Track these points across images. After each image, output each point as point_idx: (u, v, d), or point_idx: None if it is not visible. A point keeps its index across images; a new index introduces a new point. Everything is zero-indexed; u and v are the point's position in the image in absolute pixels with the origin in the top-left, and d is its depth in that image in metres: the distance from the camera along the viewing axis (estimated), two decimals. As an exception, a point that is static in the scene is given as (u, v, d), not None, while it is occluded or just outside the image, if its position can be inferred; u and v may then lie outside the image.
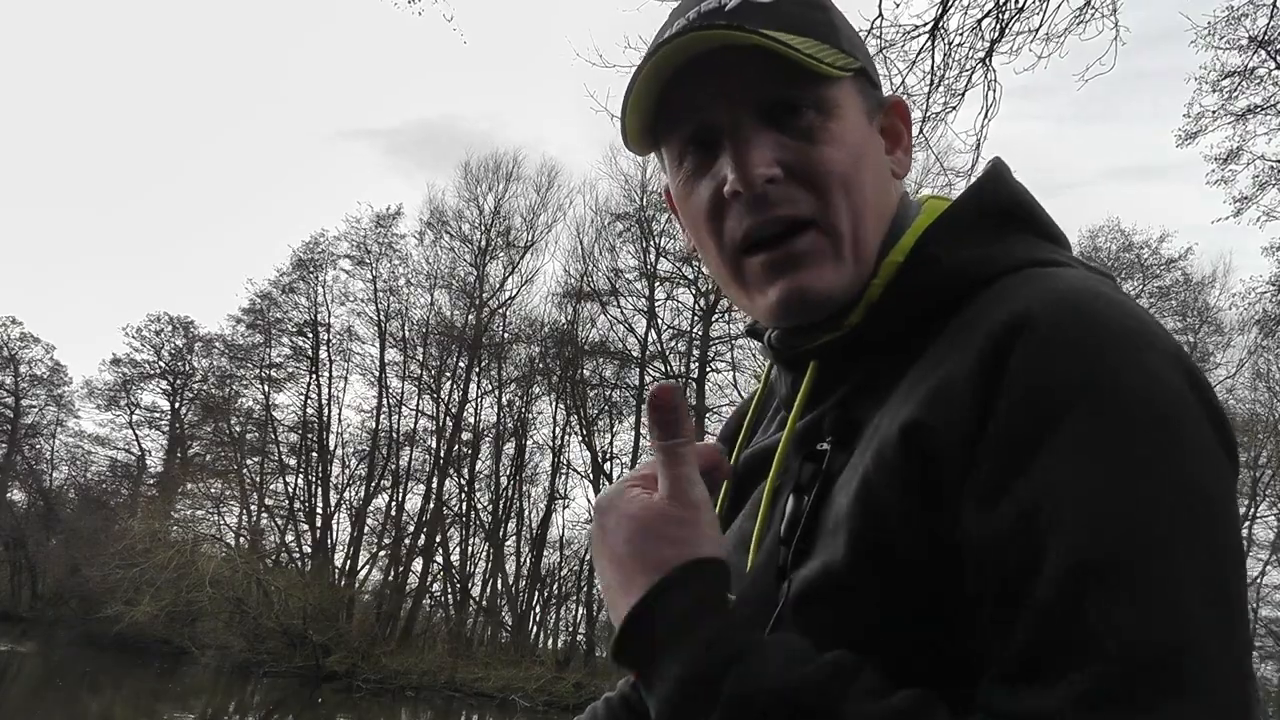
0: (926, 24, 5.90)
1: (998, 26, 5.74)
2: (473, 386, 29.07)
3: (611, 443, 27.93)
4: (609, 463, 27.61)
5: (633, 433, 27.33)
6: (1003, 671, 0.59)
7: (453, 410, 28.81)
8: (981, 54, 5.81)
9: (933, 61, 5.96)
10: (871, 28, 5.94)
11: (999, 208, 0.79)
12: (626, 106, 0.80)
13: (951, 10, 5.82)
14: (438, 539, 28.24)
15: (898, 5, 5.93)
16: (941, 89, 6.01)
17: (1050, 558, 0.58)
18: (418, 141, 52.86)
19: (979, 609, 0.61)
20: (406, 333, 30.02)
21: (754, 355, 22.88)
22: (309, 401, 30.38)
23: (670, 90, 0.79)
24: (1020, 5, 5.66)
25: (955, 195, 0.84)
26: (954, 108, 6.05)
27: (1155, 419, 0.61)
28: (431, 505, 28.11)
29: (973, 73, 5.85)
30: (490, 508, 28.68)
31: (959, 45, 5.89)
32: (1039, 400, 0.62)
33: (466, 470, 28.90)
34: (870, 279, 0.79)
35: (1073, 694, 0.54)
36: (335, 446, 30.21)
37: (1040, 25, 5.66)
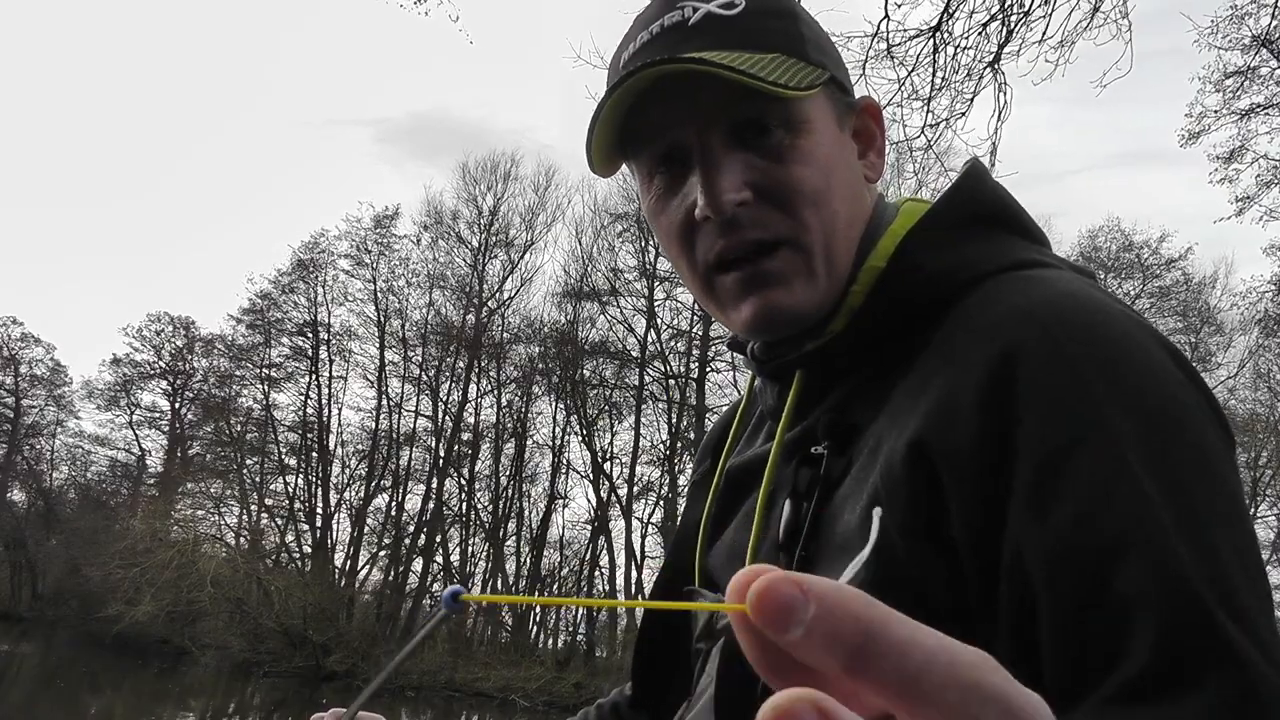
0: (929, 28, 5.88)
1: (1004, 31, 5.72)
2: (472, 387, 29.08)
3: (611, 443, 27.94)
4: (609, 463, 27.62)
5: (632, 432, 27.35)
6: (1117, 685, 0.55)
7: (452, 410, 28.82)
8: (989, 58, 5.79)
9: (934, 64, 5.95)
10: (877, 31, 5.92)
11: (978, 209, 0.79)
12: (592, 133, 0.79)
13: (955, 16, 5.81)
14: (438, 539, 28.23)
15: (900, 5, 5.92)
16: (949, 94, 5.99)
17: (1129, 564, 0.56)
18: (411, 131, 52.80)
19: (1031, 624, 0.59)
20: (406, 333, 30.04)
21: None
22: (309, 401, 30.38)
23: (637, 112, 0.78)
24: (1026, 9, 5.65)
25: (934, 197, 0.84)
26: (963, 113, 6.03)
27: (1172, 417, 0.61)
28: (431, 505, 28.12)
29: (980, 78, 5.84)
30: (490, 508, 28.68)
31: (965, 49, 5.87)
32: (1064, 413, 0.61)
33: (466, 470, 28.88)
34: (848, 285, 0.79)
35: (1214, 699, 0.52)
36: (335, 446, 30.21)
37: (1045, 30, 5.64)
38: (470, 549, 28.68)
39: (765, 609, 0.24)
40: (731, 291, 0.79)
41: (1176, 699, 0.53)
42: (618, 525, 27.45)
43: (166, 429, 35.80)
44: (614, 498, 27.47)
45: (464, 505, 28.73)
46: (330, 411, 30.35)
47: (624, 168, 0.87)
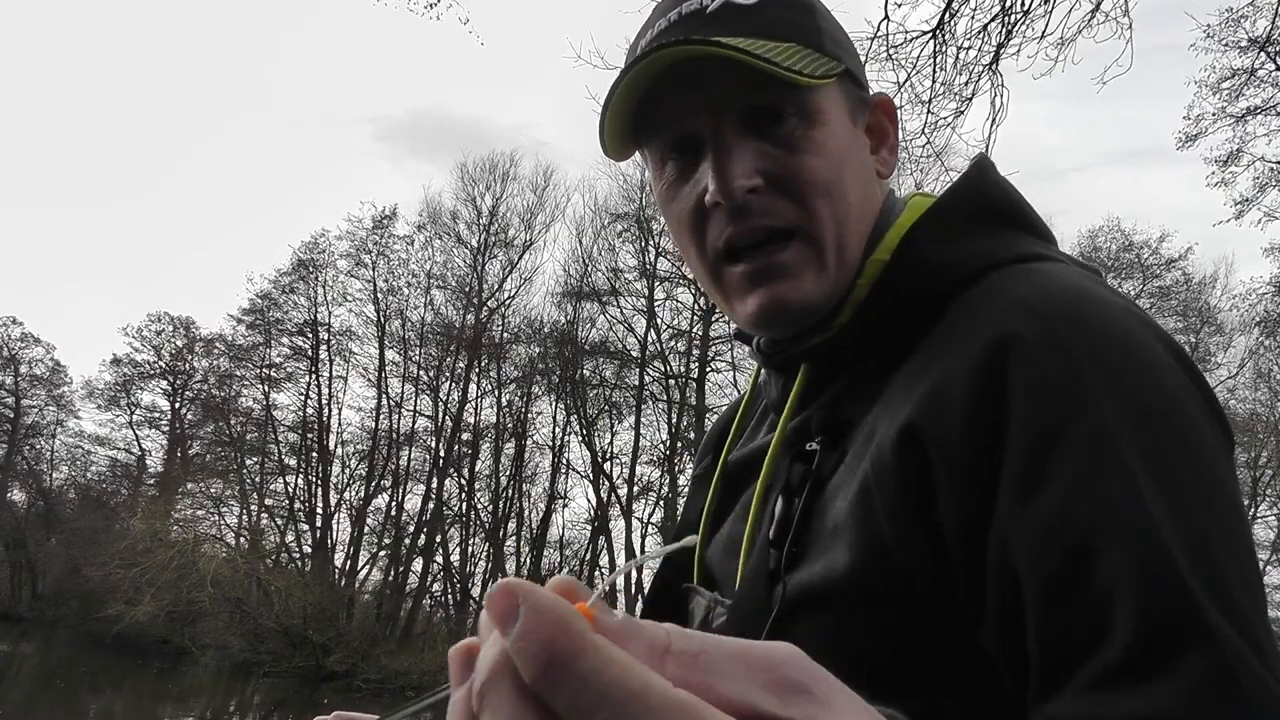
0: (930, 29, 5.89)
1: (1003, 30, 5.73)
2: (472, 386, 29.08)
3: (611, 442, 27.94)
4: (609, 463, 27.62)
5: (632, 432, 27.35)
6: (1097, 670, 0.54)
7: (452, 410, 28.81)
8: (988, 59, 5.80)
9: (934, 66, 5.96)
10: (877, 31, 5.92)
11: (984, 204, 0.79)
12: (606, 115, 0.79)
13: (958, 16, 5.82)
14: (438, 539, 28.22)
15: (900, 6, 5.92)
16: (949, 95, 6.00)
17: (1114, 548, 0.56)
18: (410, 130, 52.83)
19: (1018, 608, 0.59)
20: (406, 333, 30.04)
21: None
22: (309, 401, 30.37)
23: (651, 96, 0.78)
24: (1026, 8, 5.65)
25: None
26: (962, 112, 6.05)
27: (1166, 408, 0.61)
28: (431, 505, 28.11)
29: (979, 78, 5.84)
30: (490, 508, 28.67)
31: (966, 49, 5.88)
32: (1055, 399, 0.61)
33: (466, 470, 28.87)
34: (855, 279, 0.79)
35: (1192, 681, 0.52)
36: (335, 446, 30.20)
37: (1045, 29, 5.65)
38: (470, 549, 28.69)
39: (490, 611, 0.26)
40: (739, 283, 0.79)
41: (1156, 682, 0.52)
42: (618, 525, 27.49)
43: (166, 429, 35.80)
44: (614, 498, 27.48)
45: (464, 505, 28.74)
46: (330, 411, 30.39)
47: (636, 156, 0.87)
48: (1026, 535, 0.59)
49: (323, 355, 30.47)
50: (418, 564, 28.18)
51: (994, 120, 5.81)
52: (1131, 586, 0.55)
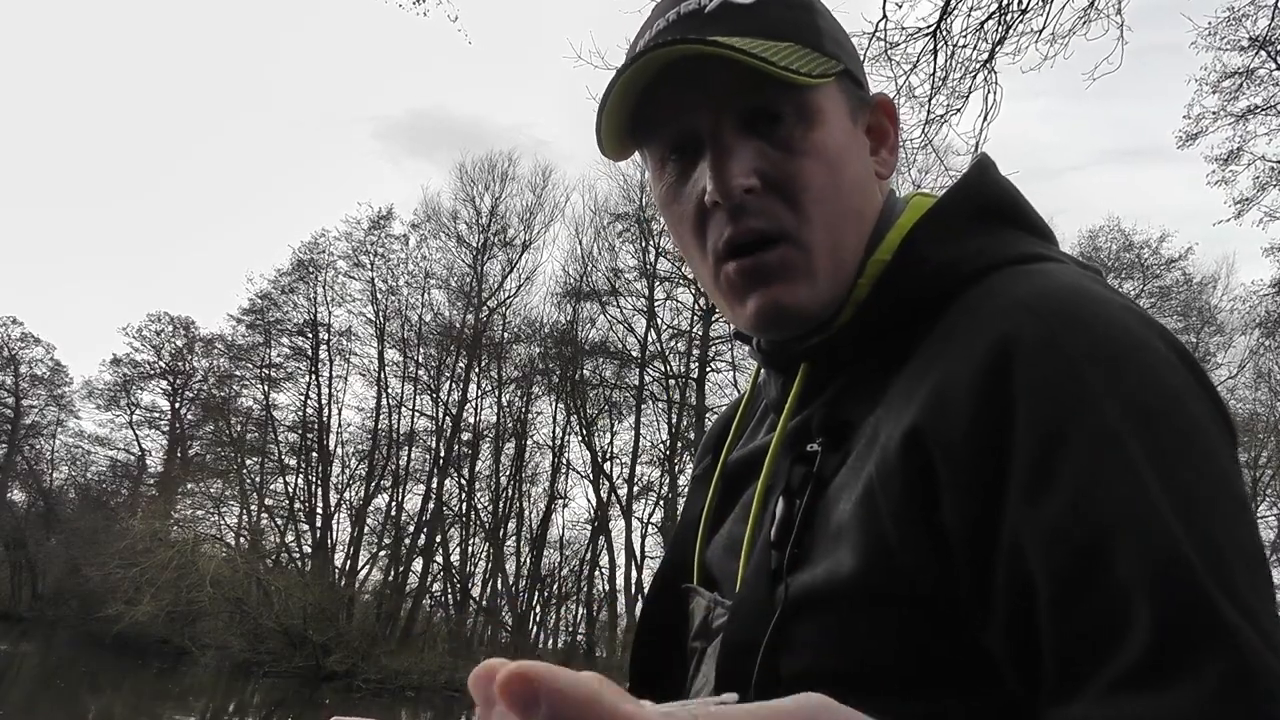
0: (929, 26, 5.91)
1: (1000, 28, 5.75)
2: (472, 386, 29.09)
3: (611, 442, 27.96)
4: (609, 463, 27.64)
5: (632, 432, 27.36)
6: (1117, 671, 0.54)
7: (452, 410, 28.83)
8: (984, 56, 5.82)
9: (934, 64, 5.97)
10: (875, 30, 5.93)
11: (985, 203, 0.78)
12: (603, 114, 0.79)
13: (954, 13, 5.84)
14: (438, 539, 28.23)
15: (900, 6, 5.94)
16: (945, 91, 6.03)
17: (1126, 548, 0.56)
18: (410, 129, 52.91)
19: (1028, 612, 0.59)
20: (405, 333, 30.05)
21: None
22: (309, 401, 30.38)
23: (649, 96, 0.78)
24: (1024, 7, 5.67)
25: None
26: (958, 109, 6.07)
27: (1169, 406, 0.61)
28: (431, 505, 28.11)
29: (975, 75, 5.87)
30: (490, 508, 28.68)
31: (962, 47, 5.90)
32: (1059, 400, 0.61)
33: (466, 470, 28.88)
34: (855, 279, 0.79)
35: (1214, 681, 0.52)
36: (335, 446, 30.21)
37: (1044, 27, 5.67)
38: (470, 549, 28.71)
39: (507, 701, 0.26)
40: (734, 284, 0.79)
41: (1174, 684, 0.52)
42: (618, 525, 27.51)
43: (166, 429, 35.84)
44: (614, 498, 27.50)
45: (464, 505, 28.75)
46: (330, 411, 30.40)
47: (637, 156, 0.86)
48: (1035, 537, 0.59)
49: (323, 355, 30.52)
50: (418, 564, 28.23)
51: (985, 118, 5.84)
52: (1147, 586, 0.55)
